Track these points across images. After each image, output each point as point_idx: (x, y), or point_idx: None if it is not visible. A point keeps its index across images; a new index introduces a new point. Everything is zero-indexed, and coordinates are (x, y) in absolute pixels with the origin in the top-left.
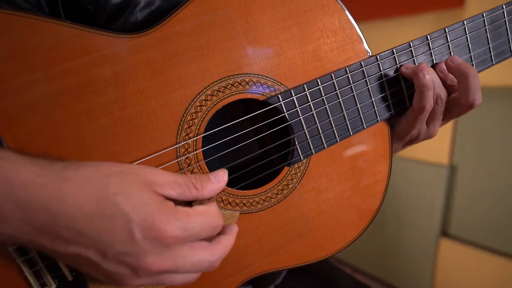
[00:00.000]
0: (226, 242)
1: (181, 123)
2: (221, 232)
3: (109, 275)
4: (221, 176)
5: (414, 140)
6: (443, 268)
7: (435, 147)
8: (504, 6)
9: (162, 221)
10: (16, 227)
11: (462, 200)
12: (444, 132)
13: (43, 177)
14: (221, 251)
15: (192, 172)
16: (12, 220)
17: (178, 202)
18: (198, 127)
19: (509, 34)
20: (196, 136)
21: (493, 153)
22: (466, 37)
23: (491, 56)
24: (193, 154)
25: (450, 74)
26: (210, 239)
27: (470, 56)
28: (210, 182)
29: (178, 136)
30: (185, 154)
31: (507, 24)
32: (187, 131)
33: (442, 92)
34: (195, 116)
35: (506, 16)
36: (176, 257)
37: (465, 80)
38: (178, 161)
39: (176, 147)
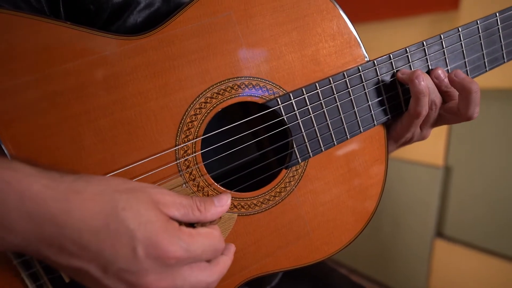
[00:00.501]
0: (225, 264)
1: (181, 125)
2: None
3: None
4: (225, 200)
5: (408, 142)
6: (438, 269)
7: (430, 148)
8: (497, 14)
9: (166, 241)
10: (23, 238)
11: (457, 201)
12: (439, 133)
13: (54, 190)
14: (220, 272)
15: (190, 174)
16: (20, 231)
17: (181, 223)
18: (197, 129)
19: (502, 41)
20: (195, 138)
21: (488, 154)
22: (461, 43)
23: (484, 62)
24: (192, 156)
25: (445, 80)
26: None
27: (465, 62)
28: (213, 206)
29: (177, 138)
30: (184, 156)
31: (500, 31)
32: (186, 133)
33: (437, 98)
34: (195, 118)
35: (499, 23)
36: (176, 277)
37: (468, 95)
38: (177, 163)
39: (175, 149)
